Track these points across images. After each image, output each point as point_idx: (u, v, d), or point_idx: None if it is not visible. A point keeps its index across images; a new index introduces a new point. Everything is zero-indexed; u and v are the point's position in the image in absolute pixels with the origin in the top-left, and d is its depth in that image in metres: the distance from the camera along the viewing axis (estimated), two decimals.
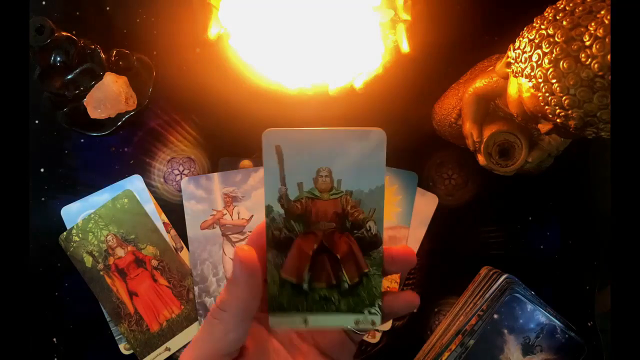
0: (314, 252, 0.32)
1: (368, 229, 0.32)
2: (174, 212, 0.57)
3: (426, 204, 0.56)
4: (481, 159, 0.50)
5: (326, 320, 0.32)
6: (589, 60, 0.34)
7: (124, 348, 0.56)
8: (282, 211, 0.32)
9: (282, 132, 0.31)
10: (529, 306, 0.51)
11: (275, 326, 0.32)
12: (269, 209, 0.32)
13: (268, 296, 0.32)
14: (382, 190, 0.32)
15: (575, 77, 0.35)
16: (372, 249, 0.32)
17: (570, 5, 0.36)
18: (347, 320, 0.33)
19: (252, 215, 0.57)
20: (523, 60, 0.39)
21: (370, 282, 0.32)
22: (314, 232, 0.33)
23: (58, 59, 0.51)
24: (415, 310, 0.37)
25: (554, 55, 0.36)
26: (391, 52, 0.51)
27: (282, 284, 0.32)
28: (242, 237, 0.56)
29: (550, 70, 0.36)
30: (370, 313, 0.32)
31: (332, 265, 0.33)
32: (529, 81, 0.38)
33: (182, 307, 0.56)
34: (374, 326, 0.33)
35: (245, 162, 0.57)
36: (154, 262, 0.56)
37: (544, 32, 0.37)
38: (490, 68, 0.49)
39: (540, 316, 0.51)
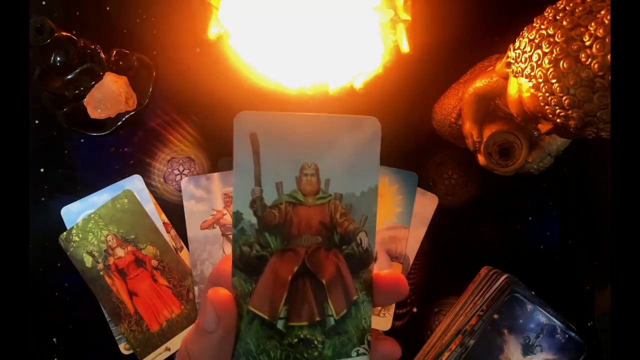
0: (293, 276, 0.25)
1: (359, 242, 0.26)
2: (174, 212, 0.57)
3: (426, 204, 0.56)
4: (481, 159, 0.50)
5: None
6: (589, 60, 0.34)
7: (124, 348, 0.56)
8: (254, 220, 0.25)
9: (259, 117, 0.24)
10: (529, 306, 0.51)
11: None
12: (237, 217, 0.24)
13: None
14: (376, 193, 0.26)
15: (575, 77, 0.35)
16: (362, 268, 0.26)
17: (570, 5, 0.36)
18: None
19: None
20: (523, 60, 0.39)
21: (359, 312, 0.26)
22: (294, 249, 0.25)
23: (58, 59, 0.51)
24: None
25: (554, 55, 0.36)
26: (391, 52, 0.51)
27: (250, 320, 0.25)
28: None
29: (550, 70, 0.36)
30: (358, 354, 0.26)
31: (315, 295, 0.25)
32: (529, 81, 0.38)
33: (182, 307, 0.56)
34: None
35: None
36: (154, 262, 0.56)
37: (544, 32, 0.37)
38: (490, 68, 0.49)
39: (540, 316, 0.51)
